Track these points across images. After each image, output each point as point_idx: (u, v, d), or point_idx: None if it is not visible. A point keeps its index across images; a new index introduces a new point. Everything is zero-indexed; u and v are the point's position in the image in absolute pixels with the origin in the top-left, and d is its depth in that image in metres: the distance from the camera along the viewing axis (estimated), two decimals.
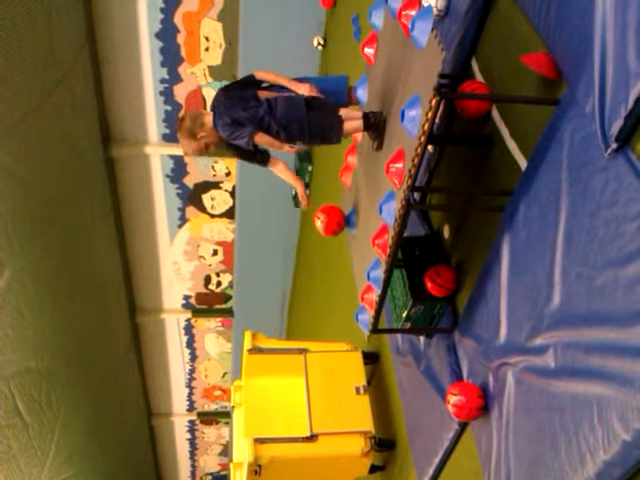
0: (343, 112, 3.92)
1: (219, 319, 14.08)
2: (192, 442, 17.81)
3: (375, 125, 3.86)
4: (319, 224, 4.32)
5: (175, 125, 4.22)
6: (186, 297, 13.43)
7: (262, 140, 3.80)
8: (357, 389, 5.64)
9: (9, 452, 9.15)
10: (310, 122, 3.76)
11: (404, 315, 4.24)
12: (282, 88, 4.13)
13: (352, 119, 3.95)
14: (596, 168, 2.71)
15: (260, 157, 4.05)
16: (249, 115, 3.76)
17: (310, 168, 10.51)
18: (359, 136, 4.48)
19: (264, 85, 4.15)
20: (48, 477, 10.58)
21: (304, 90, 4.06)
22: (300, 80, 4.19)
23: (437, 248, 4.44)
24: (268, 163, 4.05)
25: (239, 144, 3.84)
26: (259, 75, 4.14)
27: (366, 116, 3.89)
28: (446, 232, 4.43)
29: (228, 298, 13.63)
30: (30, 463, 9.84)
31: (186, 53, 9.51)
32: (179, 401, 16.23)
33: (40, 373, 8.90)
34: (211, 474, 19.20)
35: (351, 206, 4.55)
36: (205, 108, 10.09)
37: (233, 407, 6.08)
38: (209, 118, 3.85)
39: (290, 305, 13.75)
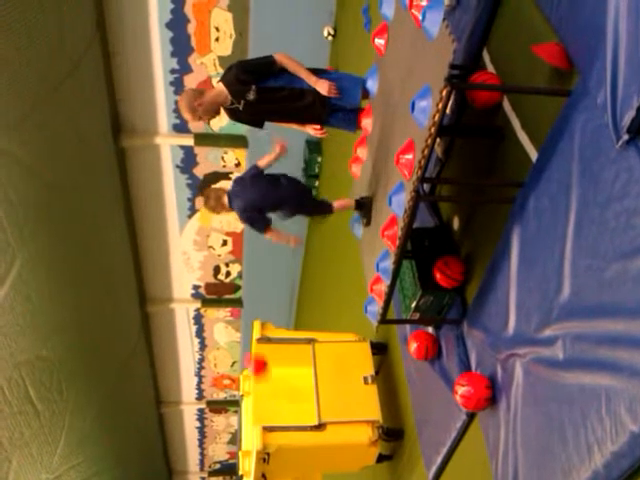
0: (336, 204, 4.65)
1: (228, 309, 14.15)
2: (201, 430, 17.96)
3: (365, 207, 4.35)
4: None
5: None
6: (195, 287, 13.50)
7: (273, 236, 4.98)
8: (365, 379, 5.67)
9: (21, 439, 9.26)
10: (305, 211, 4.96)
11: (413, 306, 4.25)
12: (294, 80, 4.07)
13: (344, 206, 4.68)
14: (607, 160, 2.69)
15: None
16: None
17: (320, 159, 10.51)
18: (369, 127, 4.47)
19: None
20: (59, 463, 10.70)
21: (322, 89, 4.00)
22: (317, 74, 4.07)
23: (446, 239, 4.44)
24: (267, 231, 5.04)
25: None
26: (279, 59, 4.00)
27: (358, 202, 4.41)
28: (456, 223, 4.43)
29: (237, 288, 13.68)
30: (42, 449, 9.95)
31: (196, 43, 9.50)
32: (188, 390, 16.35)
33: (51, 361, 8.98)
34: (220, 462, 19.36)
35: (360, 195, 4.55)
36: None
37: (242, 396, 6.13)
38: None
39: (299, 296, 13.78)
